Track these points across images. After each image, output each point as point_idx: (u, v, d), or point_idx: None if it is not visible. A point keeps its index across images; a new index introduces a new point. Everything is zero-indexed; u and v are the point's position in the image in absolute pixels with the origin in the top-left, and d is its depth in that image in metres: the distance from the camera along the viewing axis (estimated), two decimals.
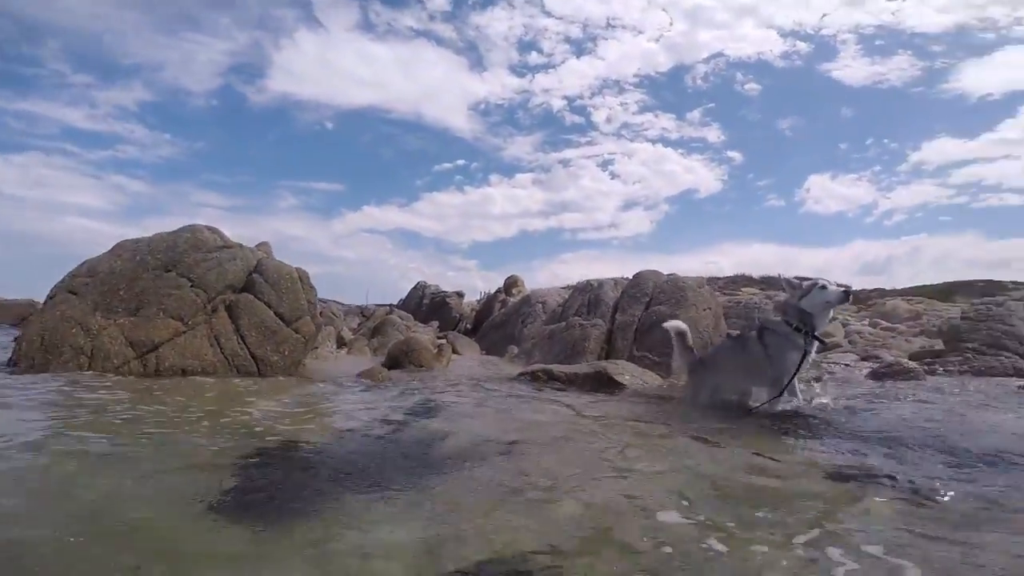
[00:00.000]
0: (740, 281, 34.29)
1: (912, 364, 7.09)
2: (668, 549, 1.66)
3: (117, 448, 2.67)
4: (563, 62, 49.23)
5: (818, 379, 6.33)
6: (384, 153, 54.97)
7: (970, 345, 8.14)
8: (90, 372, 4.86)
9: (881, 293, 29.22)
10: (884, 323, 17.39)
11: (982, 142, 42.59)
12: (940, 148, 43.85)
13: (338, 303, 22.22)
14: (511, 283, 16.17)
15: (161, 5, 51.15)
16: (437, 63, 52.87)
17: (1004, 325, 8.48)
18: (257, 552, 1.62)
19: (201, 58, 54.99)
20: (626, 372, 5.93)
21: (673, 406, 4.40)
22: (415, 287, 21.74)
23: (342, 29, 52.27)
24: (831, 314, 3.92)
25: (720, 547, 1.67)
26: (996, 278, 27.80)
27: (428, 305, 18.78)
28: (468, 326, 15.47)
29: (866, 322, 17.75)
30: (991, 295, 21.23)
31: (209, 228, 6.54)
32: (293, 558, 1.59)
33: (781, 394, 3.77)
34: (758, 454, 2.77)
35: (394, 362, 7.55)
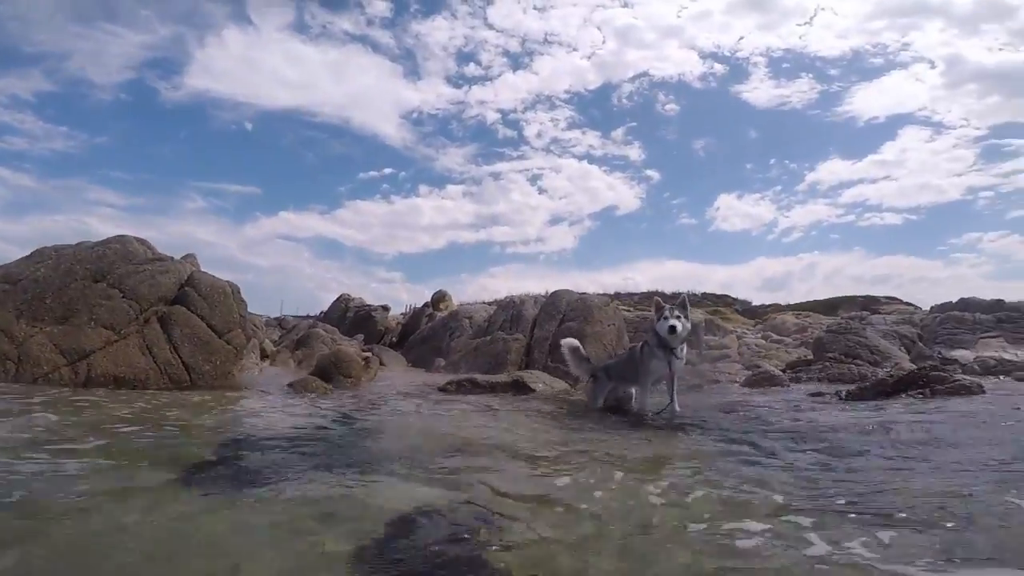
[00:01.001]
0: (653, 297, 36.95)
1: (778, 372, 8.45)
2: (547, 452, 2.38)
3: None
4: (500, 75, 50.64)
5: (699, 387, 7.47)
6: (306, 157, 53.22)
7: (830, 354, 9.69)
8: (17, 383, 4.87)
9: (777, 308, 32.68)
10: (774, 335, 19.79)
11: (867, 163, 47.88)
12: (832, 169, 48.85)
13: (252, 314, 21.49)
14: (439, 298, 16.67)
15: None
16: (370, 69, 52.36)
17: (858, 337, 10.25)
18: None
19: (113, 50, 50.86)
20: (539, 380, 6.74)
21: (562, 404, 5.30)
22: (338, 299, 21.54)
23: (273, 29, 50.55)
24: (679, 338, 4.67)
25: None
26: (876, 293, 31.97)
27: (352, 318, 18.75)
28: (394, 339, 15.74)
29: (759, 335, 20.10)
30: (868, 309, 24.76)
31: (138, 239, 6.61)
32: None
33: (645, 393, 4.84)
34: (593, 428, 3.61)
35: (322, 374, 7.83)
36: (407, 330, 15.62)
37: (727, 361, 11.91)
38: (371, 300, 20.13)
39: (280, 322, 23.72)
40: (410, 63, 50.28)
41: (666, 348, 4.57)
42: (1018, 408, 4.46)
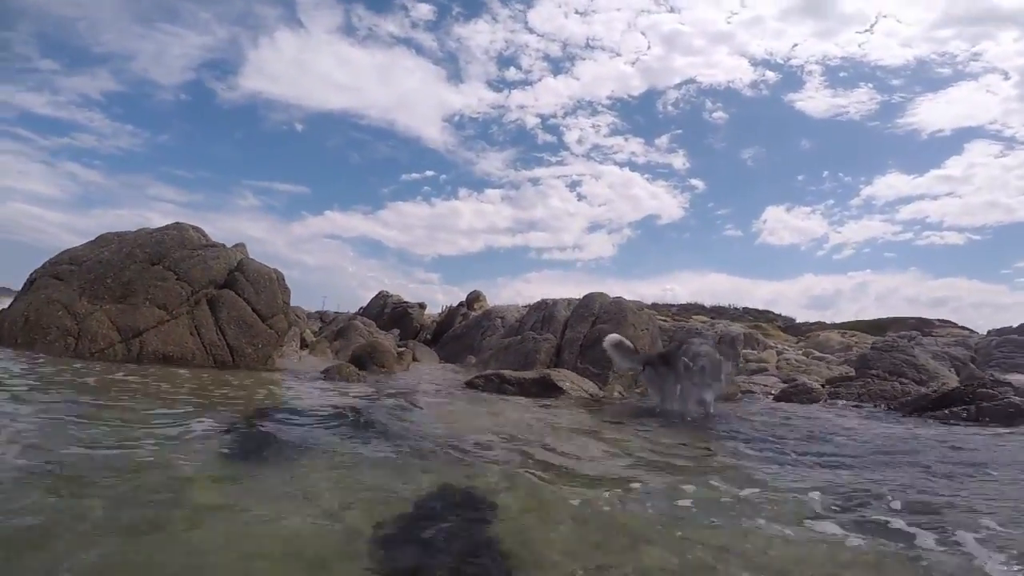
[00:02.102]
0: (692, 309, 36.07)
1: (816, 386, 8.16)
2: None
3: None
4: (540, 79, 50.50)
5: (731, 397, 7.30)
6: (352, 158, 54.73)
7: (873, 371, 9.28)
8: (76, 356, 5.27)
9: (821, 327, 31.44)
10: (816, 352, 19.04)
11: (929, 178, 44.74)
12: (890, 183, 45.79)
13: (294, 307, 22.28)
14: (474, 298, 16.87)
15: None
16: (415, 71, 53.38)
17: (905, 355, 9.77)
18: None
19: (175, 51, 53.88)
20: (567, 380, 6.72)
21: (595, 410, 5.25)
22: (377, 296, 22.08)
23: (323, 31, 52.26)
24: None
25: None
26: (931, 316, 30.17)
27: (390, 314, 19.19)
28: (428, 336, 16.02)
29: (800, 352, 19.38)
30: (920, 331, 23.47)
31: (193, 227, 7.02)
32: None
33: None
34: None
35: (357, 362, 8.09)
36: (442, 328, 15.87)
37: (764, 374, 11.58)
38: (409, 299, 20.56)
39: (321, 316, 24.52)
40: (452, 66, 50.99)
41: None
42: None
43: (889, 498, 2.33)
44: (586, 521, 1.96)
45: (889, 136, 42.92)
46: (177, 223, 6.91)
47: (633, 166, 48.96)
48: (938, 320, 29.67)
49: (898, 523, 2.03)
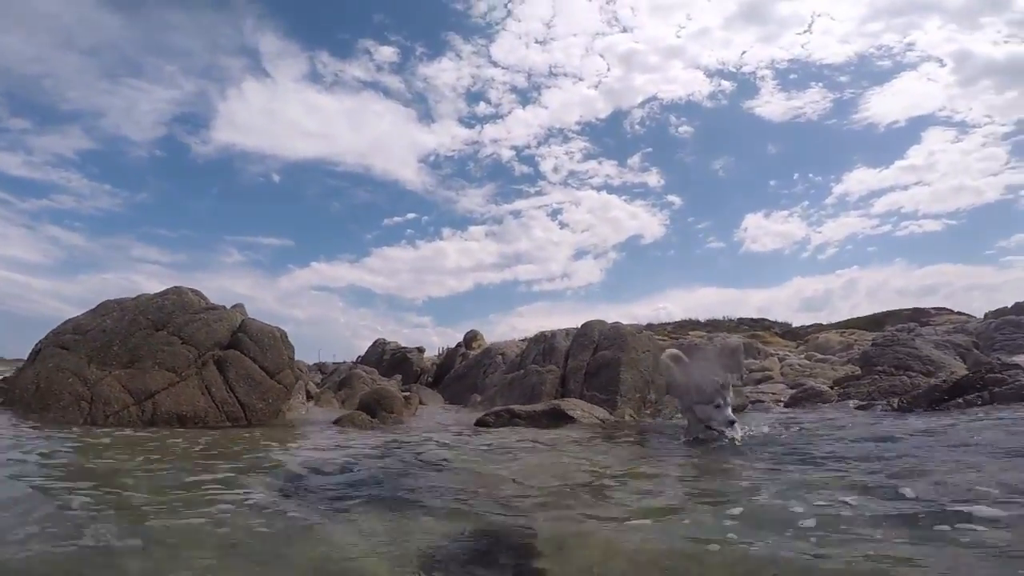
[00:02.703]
0: (687, 326, 36.16)
1: (825, 388, 8.23)
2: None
3: None
4: (510, 112, 51.27)
5: (740, 408, 7.35)
6: (332, 207, 54.94)
7: (879, 367, 9.30)
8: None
9: (818, 328, 31.58)
10: (818, 355, 19.09)
11: (895, 170, 45.38)
12: (859, 178, 46.70)
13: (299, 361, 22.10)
14: (471, 337, 16.92)
15: (105, 50, 49.89)
16: (385, 114, 54.19)
17: (907, 348, 9.85)
18: None
19: (144, 106, 54.00)
20: (577, 408, 6.78)
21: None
22: (375, 344, 22.01)
23: (289, 80, 53.09)
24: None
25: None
26: (924, 305, 30.40)
27: (389, 360, 19.11)
28: (430, 379, 15.94)
29: (802, 355, 19.44)
30: (917, 321, 23.70)
31: (192, 291, 7.13)
32: None
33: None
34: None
35: (366, 410, 8.05)
36: (442, 369, 15.82)
37: (770, 383, 11.63)
38: (405, 344, 20.50)
39: (320, 367, 24.31)
40: (422, 106, 51.91)
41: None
42: None
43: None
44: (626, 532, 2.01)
45: (848, 132, 44.11)
46: (176, 288, 7.00)
47: (610, 188, 49.56)
48: (933, 308, 29.89)
49: None
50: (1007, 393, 4.74)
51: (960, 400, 4.84)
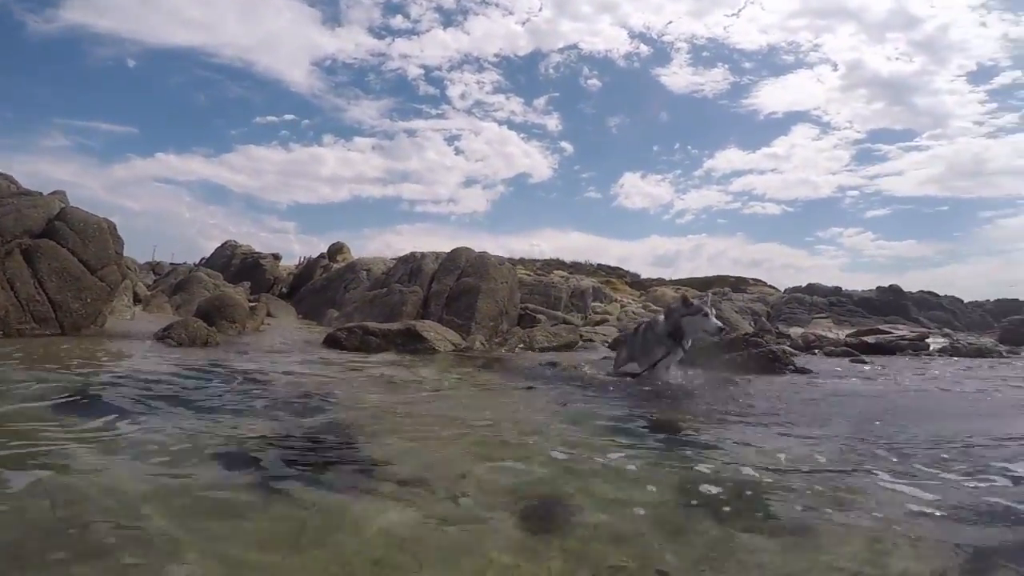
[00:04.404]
0: (553, 264, 38.41)
1: None
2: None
3: None
4: (428, 30, 47.31)
5: (571, 345, 8.11)
6: (196, 99, 47.02)
7: None
8: None
9: (661, 282, 35.66)
10: (653, 305, 21.81)
11: (759, 155, 51.27)
12: (729, 158, 52.08)
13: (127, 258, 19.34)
14: (337, 249, 16.17)
15: None
16: (284, 11, 46.81)
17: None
18: None
19: None
20: (431, 330, 6.98)
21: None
22: (223, 246, 20.00)
23: None
24: (699, 333, 4.56)
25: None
26: (749, 276, 35.64)
27: (238, 266, 17.56)
28: (284, 290, 15.09)
29: (641, 305, 22.01)
30: (737, 288, 27.92)
31: (2, 175, 5.81)
32: None
33: (643, 371, 4.69)
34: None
35: (205, 318, 7.42)
36: (299, 280, 15.02)
37: (606, 324, 12.97)
38: (260, 249, 18.91)
39: (154, 267, 21.57)
40: (331, 9, 45.68)
41: (674, 339, 4.56)
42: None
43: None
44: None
45: (733, 115, 48.81)
46: None
47: (511, 125, 49.26)
48: (752, 279, 35.31)
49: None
50: (757, 356, 5.52)
51: (725, 358, 5.58)
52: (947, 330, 15.57)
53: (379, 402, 3.09)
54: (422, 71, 44.99)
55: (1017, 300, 20.21)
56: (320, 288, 12.76)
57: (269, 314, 10.73)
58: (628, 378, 4.62)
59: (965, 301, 20.71)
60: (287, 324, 10.35)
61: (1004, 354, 8.70)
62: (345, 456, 2.01)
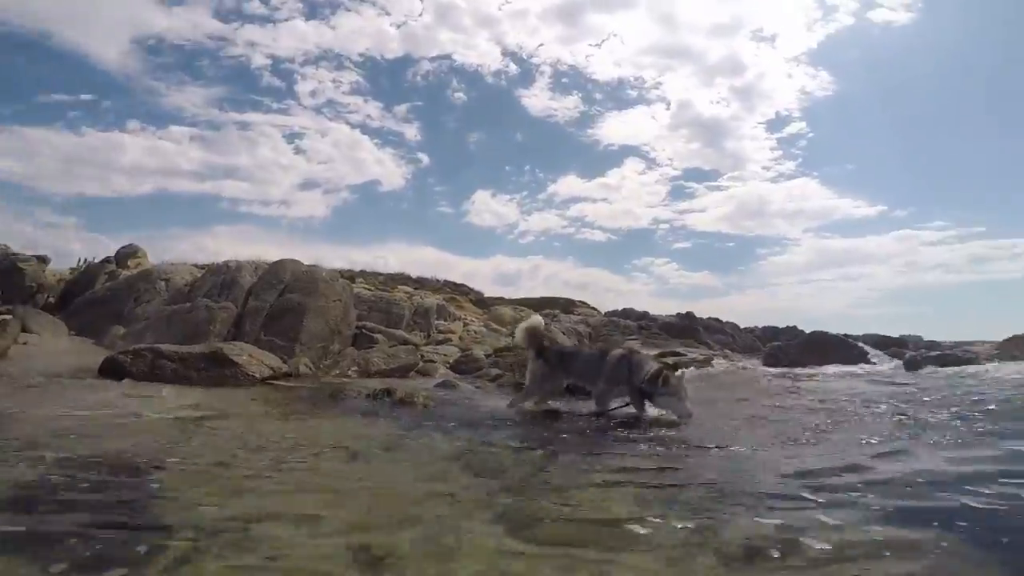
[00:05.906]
0: (398, 279, 37.36)
1: (481, 356, 9.55)
2: None
3: None
4: (288, 20, 42.48)
5: (414, 365, 7.92)
6: None
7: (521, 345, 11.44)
8: None
9: (502, 301, 36.93)
10: (494, 324, 22.47)
11: (594, 184, 56.13)
12: (569, 184, 56.33)
13: None
14: (128, 253, 13.62)
15: None
16: None
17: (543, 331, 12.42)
18: None
19: None
20: (245, 353, 6.17)
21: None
22: None
23: None
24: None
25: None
26: (576, 298, 38.63)
27: None
28: (51, 300, 12.22)
29: (482, 324, 22.50)
30: (567, 309, 30.24)
31: None
32: None
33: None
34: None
35: None
36: (76, 288, 12.28)
37: (448, 344, 12.95)
38: (22, 247, 15.05)
39: None
40: None
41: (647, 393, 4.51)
42: None
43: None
44: None
45: (577, 143, 53.20)
46: None
47: (365, 129, 46.58)
48: (579, 301, 38.52)
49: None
50: None
51: None
52: (727, 351, 18.61)
53: None
54: (269, 61, 40.66)
55: (776, 327, 25.19)
56: (103, 299, 10.56)
57: (26, 330, 8.57)
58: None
59: (741, 327, 25.09)
60: (53, 345, 8.36)
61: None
62: None
